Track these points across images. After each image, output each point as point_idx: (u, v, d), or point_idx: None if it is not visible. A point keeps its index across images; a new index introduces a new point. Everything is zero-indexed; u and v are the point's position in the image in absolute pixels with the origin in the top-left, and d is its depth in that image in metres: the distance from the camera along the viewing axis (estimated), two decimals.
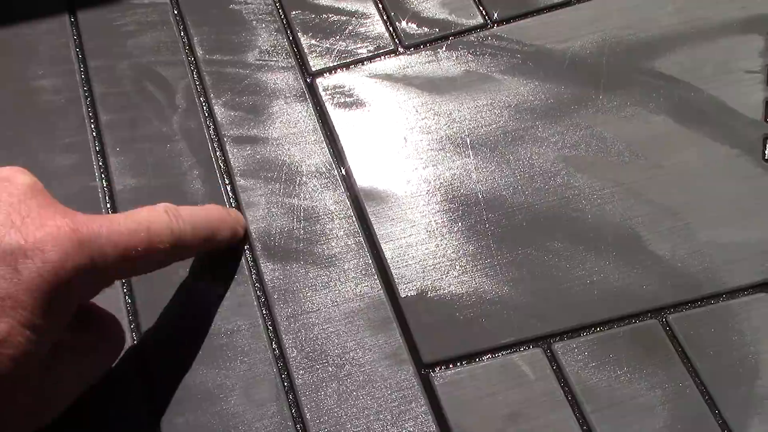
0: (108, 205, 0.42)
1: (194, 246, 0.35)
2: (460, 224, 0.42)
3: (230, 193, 0.43)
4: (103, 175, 0.44)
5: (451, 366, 0.39)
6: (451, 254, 0.41)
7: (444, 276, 0.41)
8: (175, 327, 0.39)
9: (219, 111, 0.46)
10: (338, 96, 0.47)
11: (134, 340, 0.39)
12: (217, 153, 0.45)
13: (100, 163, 0.44)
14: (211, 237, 0.36)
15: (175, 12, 0.51)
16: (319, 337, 0.39)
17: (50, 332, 0.28)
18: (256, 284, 0.40)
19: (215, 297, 0.39)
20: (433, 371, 0.38)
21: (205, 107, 0.46)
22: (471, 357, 0.39)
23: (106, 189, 0.43)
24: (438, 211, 0.43)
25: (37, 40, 0.49)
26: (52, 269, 0.26)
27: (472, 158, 0.45)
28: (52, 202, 0.29)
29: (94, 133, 0.45)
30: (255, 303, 0.40)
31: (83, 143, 0.45)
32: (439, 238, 0.42)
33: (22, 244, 0.26)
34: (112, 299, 0.39)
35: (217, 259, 0.41)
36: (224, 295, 0.40)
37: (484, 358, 0.39)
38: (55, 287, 0.26)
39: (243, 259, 0.41)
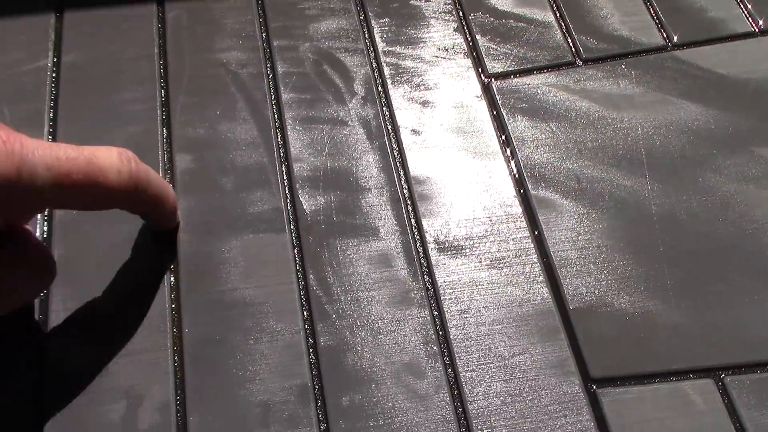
0: (285, 181, 0.43)
1: (142, 200, 0.34)
2: (633, 243, 0.42)
3: (404, 185, 0.44)
4: (281, 151, 0.45)
5: (619, 384, 0.38)
6: (623, 272, 0.41)
7: (615, 293, 0.40)
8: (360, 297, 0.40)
9: (396, 102, 0.47)
10: (514, 101, 0.47)
11: (305, 317, 0.39)
12: (393, 144, 0.45)
13: (279, 140, 0.45)
14: (160, 201, 0.36)
15: (357, 1, 0.51)
16: (487, 336, 0.39)
17: None
18: (425, 276, 0.40)
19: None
20: (601, 387, 0.38)
21: (382, 97, 0.47)
22: (640, 378, 0.38)
23: (283, 164, 0.44)
24: (611, 227, 0.42)
25: (223, 15, 0.50)
26: None
27: (648, 179, 0.44)
28: None
29: (274, 110, 0.46)
30: (424, 294, 0.40)
31: (264, 118, 0.46)
32: (611, 254, 0.41)
33: None
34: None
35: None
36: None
37: (654, 381, 0.38)
38: None
39: (413, 249, 0.41)
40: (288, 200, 0.43)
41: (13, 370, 0.37)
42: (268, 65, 0.48)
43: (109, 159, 0.31)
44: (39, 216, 0.41)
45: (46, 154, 0.28)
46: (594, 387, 0.38)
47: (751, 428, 0.37)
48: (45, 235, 0.40)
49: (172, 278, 0.40)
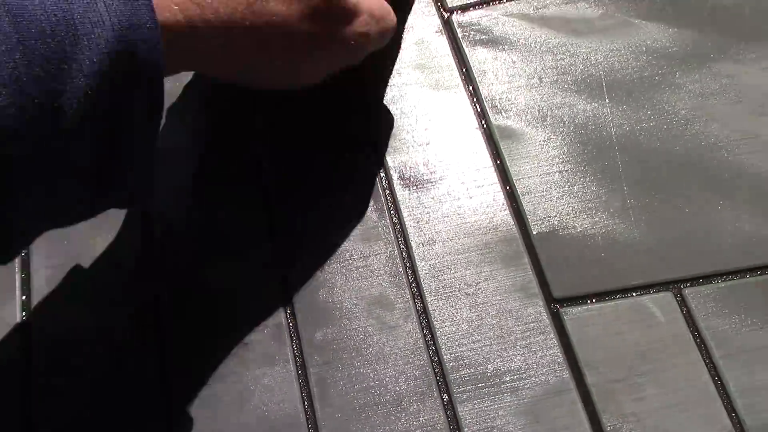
0: None
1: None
2: (593, 166, 0.43)
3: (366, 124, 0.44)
4: None
5: (580, 303, 0.39)
6: (583, 195, 0.42)
7: (576, 215, 0.41)
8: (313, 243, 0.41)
9: None
10: (474, 33, 0.48)
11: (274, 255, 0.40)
12: None
13: None
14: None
15: None
16: (453, 265, 0.40)
17: None
18: (392, 211, 0.42)
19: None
20: (563, 307, 0.39)
21: None
22: (600, 296, 0.39)
23: None
24: (571, 152, 0.43)
25: None
26: None
27: (607, 101, 0.45)
28: None
29: None
30: (391, 230, 0.41)
31: None
32: (572, 178, 0.42)
33: None
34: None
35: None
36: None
37: (614, 297, 0.39)
38: None
39: (379, 187, 0.42)
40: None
41: None
42: None
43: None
44: None
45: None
46: (557, 307, 0.39)
47: (708, 335, 0.38)
48: None
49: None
